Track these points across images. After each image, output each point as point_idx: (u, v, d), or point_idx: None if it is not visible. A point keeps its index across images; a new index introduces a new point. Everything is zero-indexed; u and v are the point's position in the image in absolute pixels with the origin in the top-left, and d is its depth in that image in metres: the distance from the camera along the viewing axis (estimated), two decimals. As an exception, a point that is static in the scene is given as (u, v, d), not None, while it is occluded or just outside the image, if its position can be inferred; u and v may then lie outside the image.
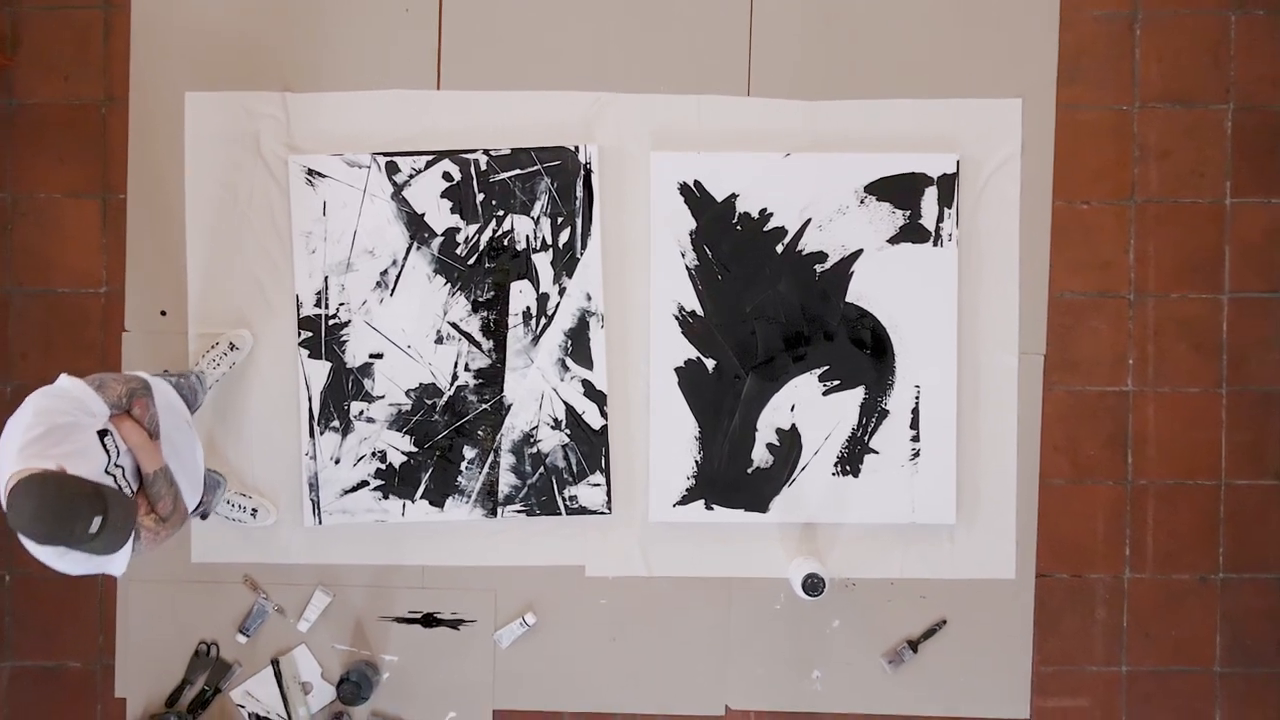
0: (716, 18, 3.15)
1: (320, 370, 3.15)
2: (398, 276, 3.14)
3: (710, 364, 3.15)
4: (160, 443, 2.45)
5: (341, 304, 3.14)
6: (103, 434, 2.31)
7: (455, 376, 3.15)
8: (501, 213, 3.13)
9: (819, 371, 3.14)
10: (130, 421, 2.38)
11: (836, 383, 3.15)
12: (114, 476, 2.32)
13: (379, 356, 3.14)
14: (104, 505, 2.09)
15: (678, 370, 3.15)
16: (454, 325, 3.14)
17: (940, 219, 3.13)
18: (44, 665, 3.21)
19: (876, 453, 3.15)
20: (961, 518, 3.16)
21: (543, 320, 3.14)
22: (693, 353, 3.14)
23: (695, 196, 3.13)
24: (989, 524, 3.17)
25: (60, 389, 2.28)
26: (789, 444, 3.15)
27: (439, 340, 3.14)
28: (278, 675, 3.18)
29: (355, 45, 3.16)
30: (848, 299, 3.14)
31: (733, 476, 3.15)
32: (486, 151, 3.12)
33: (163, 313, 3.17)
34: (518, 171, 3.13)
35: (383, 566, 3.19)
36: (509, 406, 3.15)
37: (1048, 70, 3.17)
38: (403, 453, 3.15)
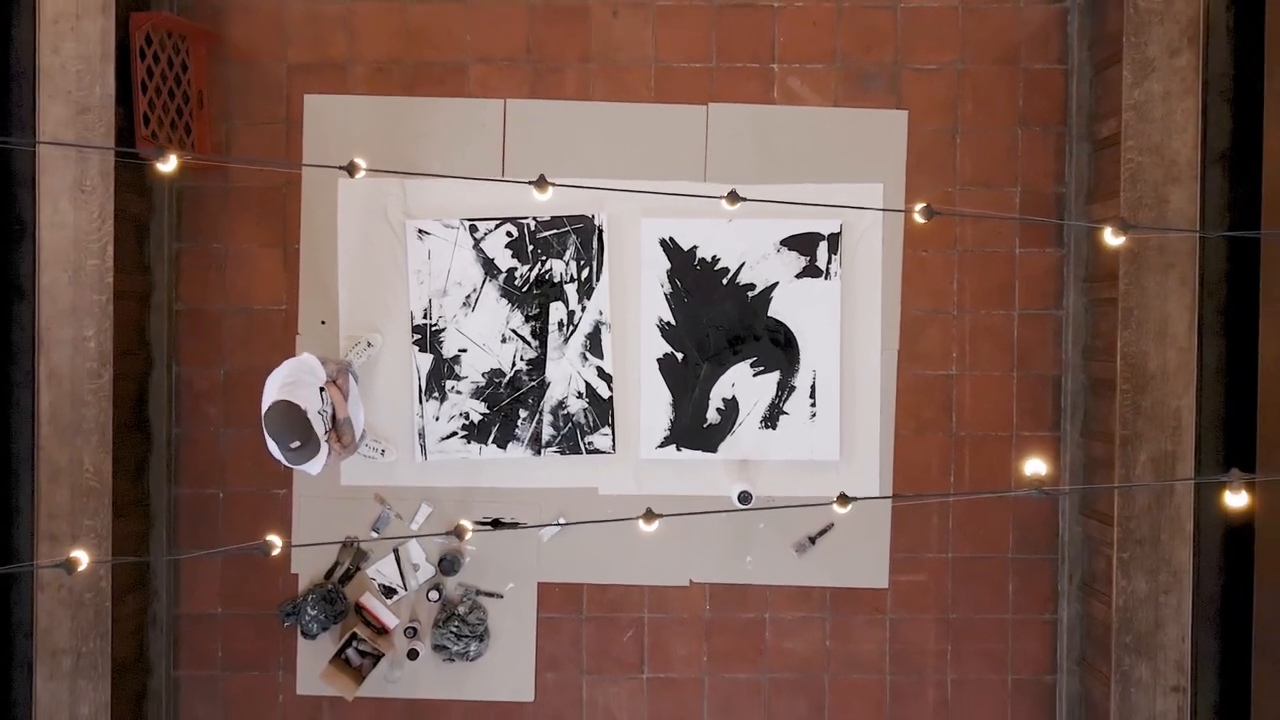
0: (685, 133, 4.83)
1: (426, 360, 4.84)
2: (476, 299, 4.83)
3: (680, 356, 4.84)
4: (348, 403, 4.17)
5: (440, 316, 4.83)
6: (321, 389, 4.02)
7: (514, 364, 4.84)
8: (544, 257, 4.83)
9: (750, 361, 4.84)
10: (335, 387, 4.09)
11: (761, 369, 4.84)
12: (322, 415, 4.03)
13: (464, 351, 4.84)
14: (305, 435, 3.80)
15: (658, 360, 4.84)
16: (513, 331, 4.84)
17: (829, 262, 4.82)
18: (245, 553, 4.90)
19: (788, 414, 4.84)
20: (843, 456, 4.85)
21: (570, 328, 4.83)
22: (668, 349, 4.84)
23: (670, 247, 4.83)
24: (862, 460, 4.86)
25: (303, 359, 4.01)
26: (730, 408, 4.84)
27: (503, 340, 4.84)
28: (397, 559, 4.87)
29: (449, 147, 4.84)
30: (769, 314, 4.83)
31: (694, 429, 4.85)
32: (535, 218, 4.81)
33: (322, 322, 4.87)
34: (555, 231, 4.82)
35: (466, 488, 4.88)
36: (548, 384, 4.84)
37: (899, 164, 4.85)
38: (479, 414, 4.84)
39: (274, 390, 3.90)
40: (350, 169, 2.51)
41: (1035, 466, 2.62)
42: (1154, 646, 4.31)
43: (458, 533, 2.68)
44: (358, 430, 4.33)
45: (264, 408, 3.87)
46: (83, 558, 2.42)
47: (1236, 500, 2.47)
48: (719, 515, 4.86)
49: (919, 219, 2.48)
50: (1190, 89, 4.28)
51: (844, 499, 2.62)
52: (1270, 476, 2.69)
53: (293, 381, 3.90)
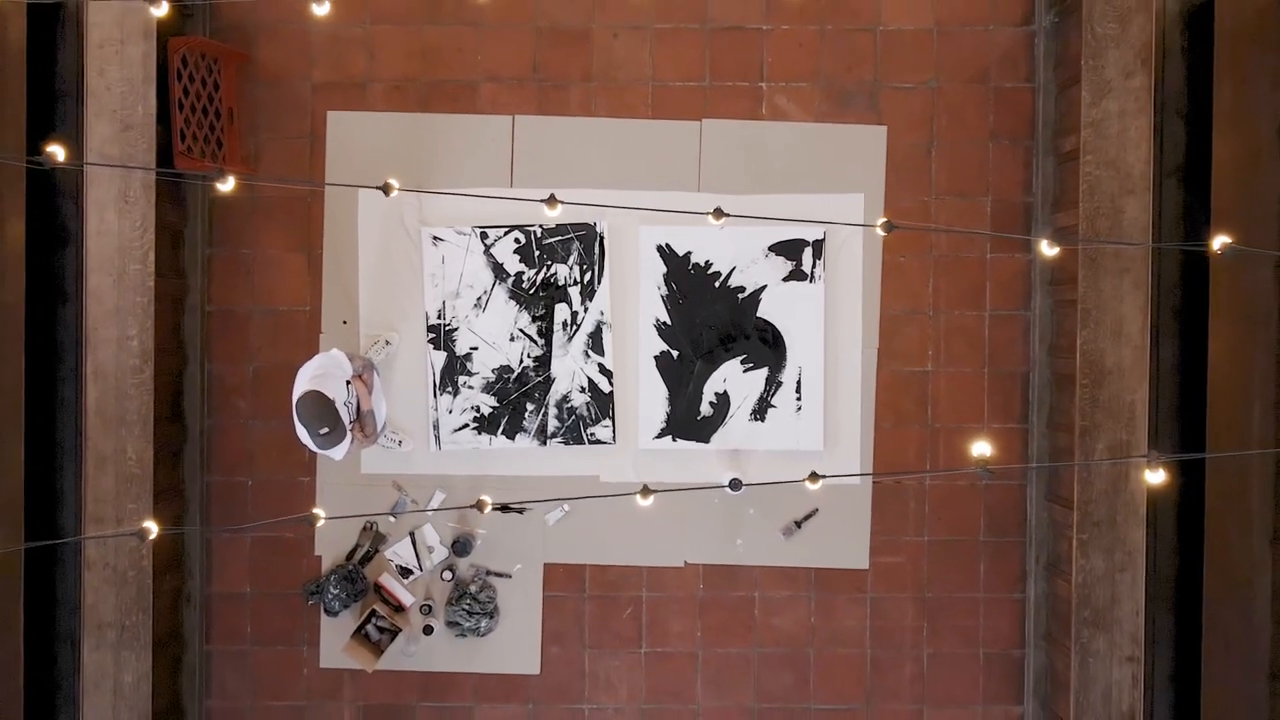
0: (680, 146, 5.21)
1: (440, 357, 5.22)
2: (487, 300, 5.21)
3: (675, 354, 5.22)
4: (371, 397, 4.55)
5: (453, 317, 5.21)
6: (347, 382, 4.40)
7: (521, 361, 5.22)
8: (550, 262, 5.21)
9: (740, 358, 5.22)
10: (361, 381, 4.47)
11: (751, 365, 5.22)
12: (347, 407, 4.40)
13: (476, 349, 5.22)
14: (333, 423, 4.18)
15: (655, 357, 5.22)
16: (521, 330, 5.22)
17: (814, 266, 5.20)
18: (271, 535, 5.28)
19: (775, 407, 5.22)
20: (827, 446, 5.23)
21: (574, 327, 5.21)
22: (665, 346, 5.22)
23: (666, 253, 5.21)
24: (844, 450, 5.24)
25: (333, 354, 4.40)
26: (722, 402, 5.22)
27: (511, 339, 5.22)
28: (413, 542, 5.25)
29: (461, 160, 5.22)
30: (758, 315, 5.21)
31: (689, 421, 5.23)
32: (541, 225, 5.19)
33: (344, 322, 5.25)
34: (559, 237, 5.20)
35: (477, 476, 5.26)
36: (553, 379, 5.22)
37: (878, 175, 5.23)
38: (489, 407, 5.22)
39: (305, 381, 4.28)
40: (385, 189, 2.89)
41: (981, 449, 2.99)
42: (1110, 620, 4.69)
43: (479, 506, 3.07)
44: (380, 423, 4.71)
45: (295, 396, 4.26)
46: (152, 527, 2.80)
47: (1154, 478, 2.84)
48: (712, 503, 5.24)
49: (880, 233, 2.86)
50: (1143, 108, 4.65)
51: (814, 476, 3.00)
52: (1180, 455, 3.06)
53: (322, 374, 4.28)
